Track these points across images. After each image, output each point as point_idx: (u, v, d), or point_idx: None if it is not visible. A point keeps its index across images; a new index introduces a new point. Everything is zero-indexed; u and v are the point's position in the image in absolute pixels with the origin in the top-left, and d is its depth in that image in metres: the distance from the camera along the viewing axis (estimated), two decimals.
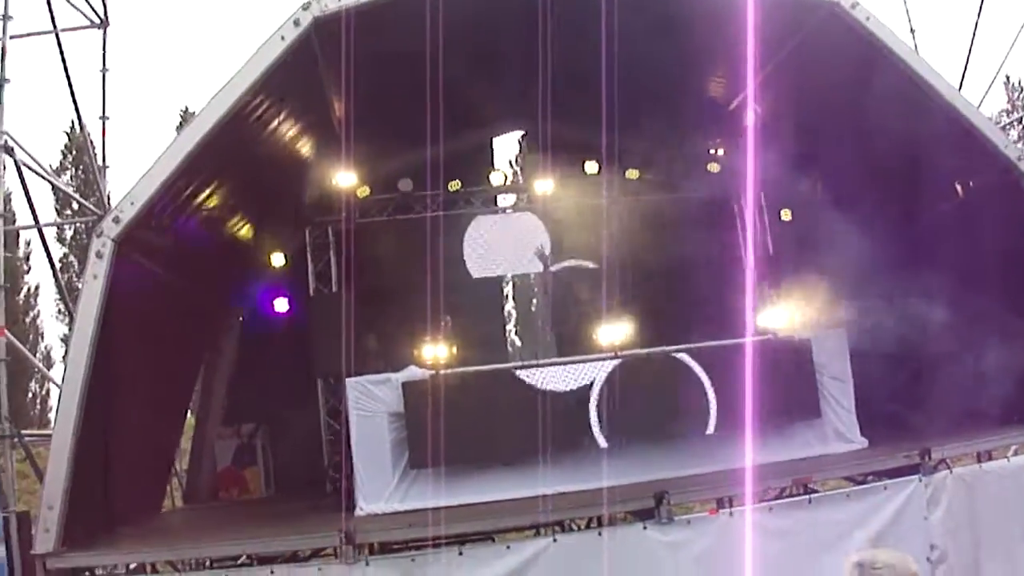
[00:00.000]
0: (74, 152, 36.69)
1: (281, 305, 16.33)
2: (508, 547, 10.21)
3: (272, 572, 10.02)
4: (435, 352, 14.08)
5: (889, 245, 12.99)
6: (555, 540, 10.13)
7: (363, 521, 11.54)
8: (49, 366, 33.10)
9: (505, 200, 17.27)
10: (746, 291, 15.84)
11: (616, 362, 12.59)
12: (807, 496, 10.86)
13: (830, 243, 13.41)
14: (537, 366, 12.71)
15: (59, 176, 34.98)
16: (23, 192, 13.32)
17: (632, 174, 15.66)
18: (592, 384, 12.45)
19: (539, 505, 11.42)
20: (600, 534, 10.30)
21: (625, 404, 12.26)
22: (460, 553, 10.05)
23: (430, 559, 10.04)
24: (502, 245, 16.44)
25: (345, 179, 15.24)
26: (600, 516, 11.15)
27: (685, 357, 12.62)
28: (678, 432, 12.35)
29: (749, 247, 16.02)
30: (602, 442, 12.28)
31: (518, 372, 12.53)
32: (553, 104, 12.95)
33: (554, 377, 12.44)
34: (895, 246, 13.03)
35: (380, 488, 12.14)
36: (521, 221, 16.48)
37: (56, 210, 33.25)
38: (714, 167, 15.91)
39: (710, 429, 12.35)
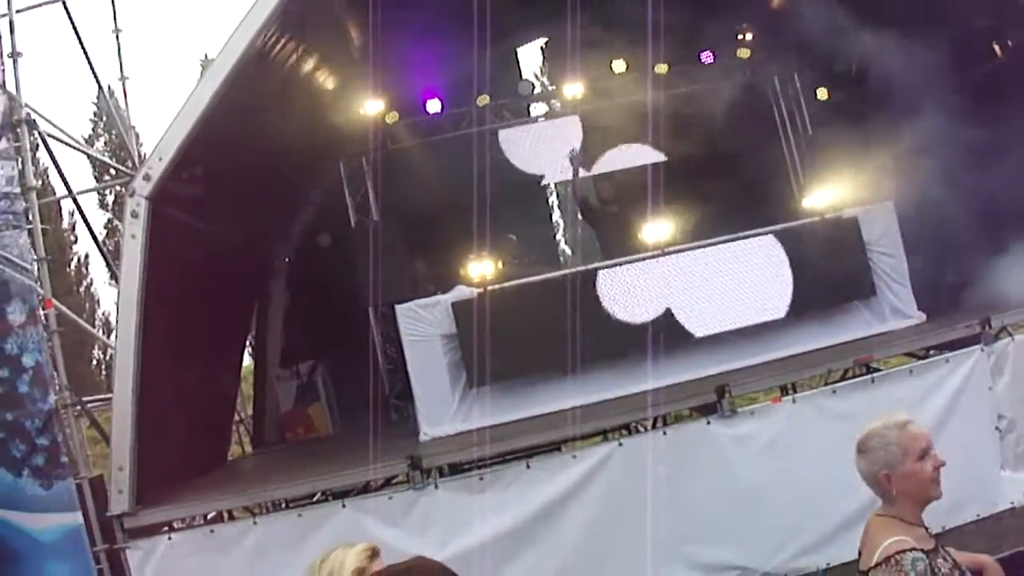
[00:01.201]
0: (104, 118, 36.74)
1: (324, 240, 16.35)
2: (574, 456, 10.20)
3: (344, 505, 10.10)
4: (482, 269, 14.07)
5: (933, 113, 12.69)
6: (620, 444, 10.12)
7: (428, 445, 11.61)
8: (108, 332, 33.42)
9: (536, 109, 17.08)
10: (788, 175, 15.69)
11: (666, 261, 12.47)
12: (869, 376, 10.73)
13: (870, 118, 13.16)
14: (585, 271, 12.59)
15: (92, 144, 35.13)
16: (54, 164, 13.33)
17: (661, 69, 15.38)
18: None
19: (602, 410, 11.43)
20: (665, 433, 10.28)
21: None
22: (527, 467, 10.07)
23: (498, 476, 10.07)
24: (539, 153, 16.30)
25: (372, 107, 15.12)
26: (664, 415, 11.14)
27: (734, 247, 12.46)
28: (735, 323, 12.25)
29: (788, 131, 15.78)
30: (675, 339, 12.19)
31: (577, 279, 12.39)
32: (575, 4, 12.75)
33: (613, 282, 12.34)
34: (939, 114, 12.73)
35: (441, 411, 12.18)
36: (555, 127, 16.30)
37: (95, 178, 33.38)
38: (744, 52, 15.61)
39: (764, 316, 12.22)
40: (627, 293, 12.25)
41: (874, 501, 4.36)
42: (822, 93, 15.32)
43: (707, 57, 15.67)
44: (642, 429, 11.48)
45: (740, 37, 15.85)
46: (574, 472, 9.99)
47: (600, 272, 12.40)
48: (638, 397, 11.29)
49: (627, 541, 9.59)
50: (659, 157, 15.57)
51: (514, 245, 15.70)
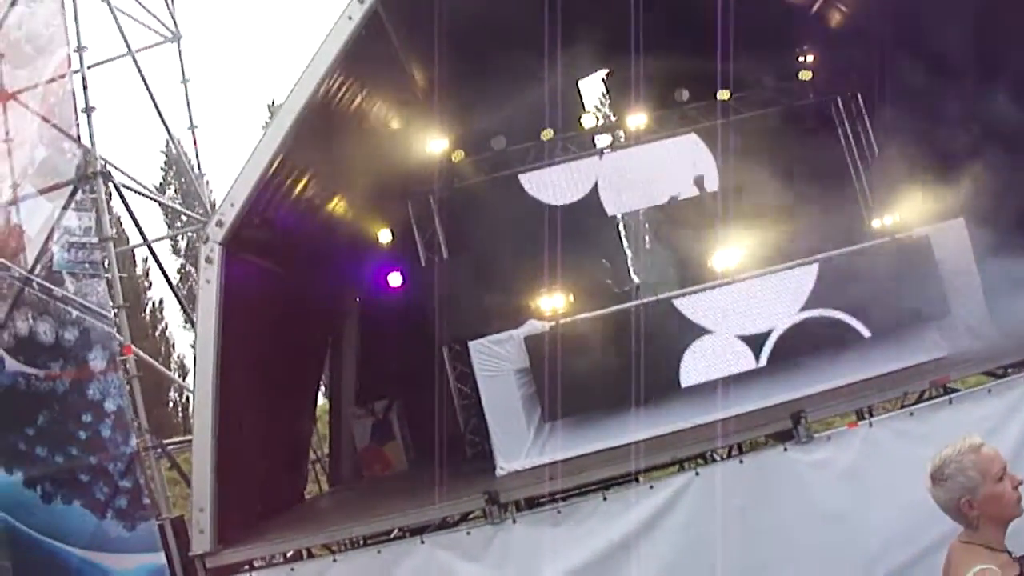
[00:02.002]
0: (173, 167, 37.44)
1: (395, 280, 16.50)
2: (651, 486, 10.14)
3: (423, 541, 10.13)
4: (552, 303, 14.12)
5: (999, 124, 12.52)
6: (697, 473, 10.04)
7: (505, 480, 11.64)
8: (184, 375, 33.95)
9: (600, 141, 17.13)
10: (856, 196, 15.58)
11: (735, 287, 12.43)
12: (947, 397, 10.56)
13: (936, 132, 13.02)
14: (651, 302, 12.57)
15: (163, 192, 35.81)
16: (128, 213, 13.69)
17: (724, 95, 15.39)
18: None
19: (678, 440, 11.39)
20: (741, 461, 10.20)
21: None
22: (604, 498, 10.03)
23: (575, 508, 10.06)
24: (635, 180, 16.37)
25: (437, 145, 15.28)
26: (740, 443, 11.07)
27: (803, 271, 12.37)
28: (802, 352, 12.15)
29: (854, 151, 15.70)
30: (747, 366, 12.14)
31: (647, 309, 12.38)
32: (636, 35, 12.80)
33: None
34: (1006, 124, 12.55)
35: (517, 445, 12.21)
36: (651, 152, 16.36)
37: (167, 224, 34.03)
38: (805, 75, 15.58)
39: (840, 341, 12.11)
40: (698, 322, 12.23)
41: (956, 527, 4.32)
42: (885, 110, 15.21)
43: (769, 82, 15.66)
44: (718, 458, 11.43)
45: (801, 60, 15.83)
46: (651, 503, 9.93)
47: (674, 301, 12.39)
48: (712, 426, 11.24)
49: (707, 571, 9.52)
50: (713, 187, 15.61)
51: (582, 277, 15.69)
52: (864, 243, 12.85)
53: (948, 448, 4.28)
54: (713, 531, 9.56)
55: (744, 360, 12.07)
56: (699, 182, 15.40)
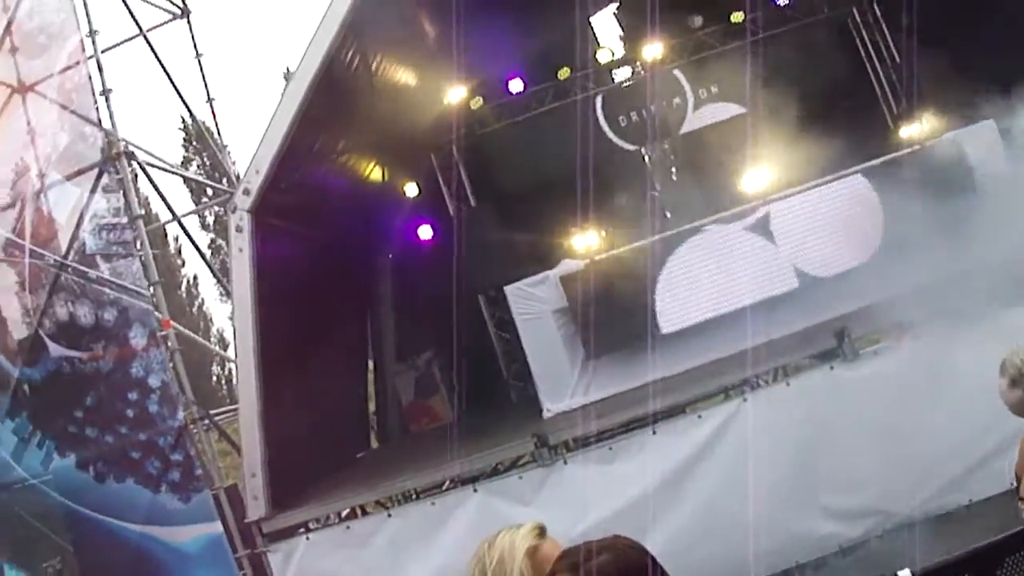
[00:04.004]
0: (194, 141, 37.47)
1: (425, 232, 16.46)
2: (700, 416, 10.16)
3: (476, 490, 10.19)
4: (586, 241, 14.06)
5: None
6: (745, 400, 10.03)
7: (553, 422, 11.64)
8: (224, 347, 34.14)
9: (619, 75, 16.96)
10: (881, 108, 15.36)
11: (772, 206, 12.28)
12: None
13: (958, 39, 12.80)
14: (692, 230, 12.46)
15: (187, 167, 35.88)
16: (155, 191, 13.75)
17: (737, 17, 15.18)
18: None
19: (722, 367, 11.34)
20: (788, 384, 10.17)
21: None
22: (654, 432, 10.06)
23: (625, 444, 10.09)
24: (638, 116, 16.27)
25: (456, 95, 15.21)
26: (785, 366, 11.01)
27: (842, 184, 12.19)
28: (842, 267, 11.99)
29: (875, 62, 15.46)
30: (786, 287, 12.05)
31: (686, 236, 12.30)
32: None
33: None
34: None
35: (562, 386, 12.19)
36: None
37: (193, 200, 34.06)
38: None
39: (876, 251, 11.94)
40: (730, 248, 12.12)
41: (1016, 432, 4.27)
42: (905, 18, 14.94)
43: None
44: (763, 383, 11.36)
45: None
46: (701, 432, 9.95)
47: (703, 230, 12.28)
48: (756, 350, 11.16)
49: (762, 495, 9.49)
50: (739, 109, 15.43)
51: (613, 214, 15.59)
52: (894, 154, 12.67)
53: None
54: (766, 455, 9.54)
55: (783, 281, 11.96)
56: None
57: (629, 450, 9.98)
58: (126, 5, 14.44)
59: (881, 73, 15.62)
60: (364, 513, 11.72)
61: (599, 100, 16.25)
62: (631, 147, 16.66)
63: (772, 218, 12.14)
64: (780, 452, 9.62)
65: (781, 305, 11.75)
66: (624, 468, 9.91)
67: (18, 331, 12.93)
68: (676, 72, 15.94)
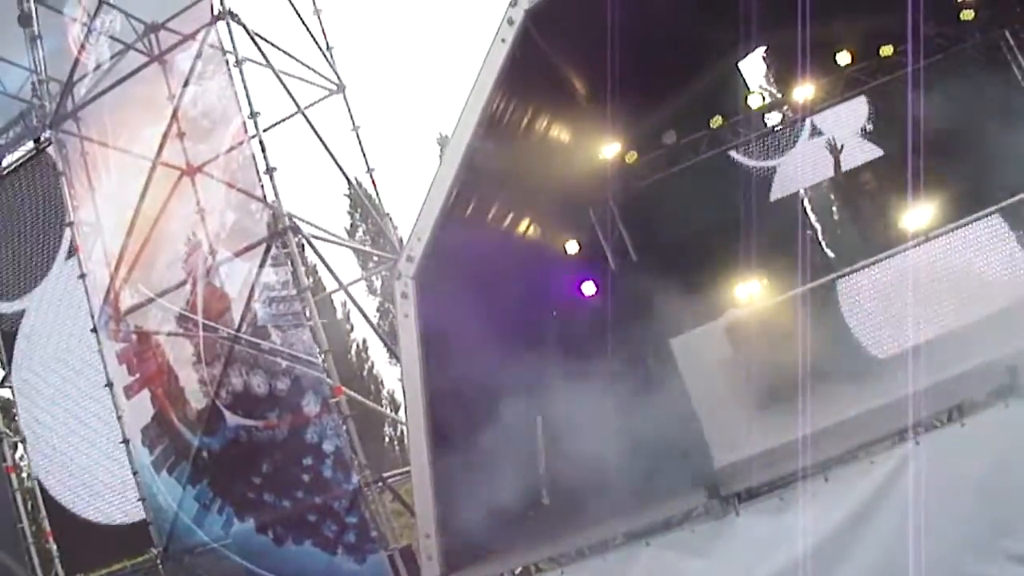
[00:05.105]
0: (358, 210, 38.48)
1: (588, 289, 16.50)
2: (872, 462, 9.91)
3: (648, 544, 10.13)
4: (750, 289, 13.95)
5: None
6: (917, 443, 9.75)
7: (723, 473, 11.49)
8: (395, 409, 34.74)
9: (770, 119, 16.85)
10: None
11: (934, 242, 11.97)
12: None
13: None
14: (854, 271, 12.25)
15: (353, 234, 36.87)
16: (321, 261, 14.20)
17: (886, 51, 14.91)
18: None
19: (893, 409, 11.06)
20: (963, 425, 9.86)
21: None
22: (825, 480, 9.85)
23: (797, 493, 9.90)
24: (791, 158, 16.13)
25: (610, 150, 15.31)
26: (958, 406, 10.68)
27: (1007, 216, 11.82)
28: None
29: None
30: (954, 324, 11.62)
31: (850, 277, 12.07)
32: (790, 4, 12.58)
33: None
34: None
35: (730, 436, 12.02)
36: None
37: (360, 266, 34.89)
38: (967, 14, 14.93)
39: None
40: (895, 288, 11.86)
41: None
42: None
43: (931, 29, 15.04)
44: (937, 424, 11.03)
45: (959, 0, 15.18)
46: (874, 478, 9.69)
47: (867, 270, 12.05)
48: (927, 391, 10.85)
49: (939, 541, 9.20)
50: (895, 144, 15.11)
51: (774, 259, 15.42)
52: None
53: None
54: (941, 500, 9.24)
55: (951, 319, 11.62)
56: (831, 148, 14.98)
57: (801, 499, 9.79)
58: (284, 85, 15.00)
59: None
60: (538, 570, 11.74)
61: (753, 145, 16.16)
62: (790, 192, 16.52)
63: (936, 254, 11.84)
64: (957, 496, 9.29)
65: (951, 343, 11.41)
66: (796, 518, 9.72)
67: (196, 401, 13.50)
68: (829, 111, 15.73)
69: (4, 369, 17.66)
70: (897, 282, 11.84)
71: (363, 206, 31.37)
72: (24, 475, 18.73)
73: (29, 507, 18.33)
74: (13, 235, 17.38)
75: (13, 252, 17.46)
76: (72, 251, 15.95)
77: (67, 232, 16.16)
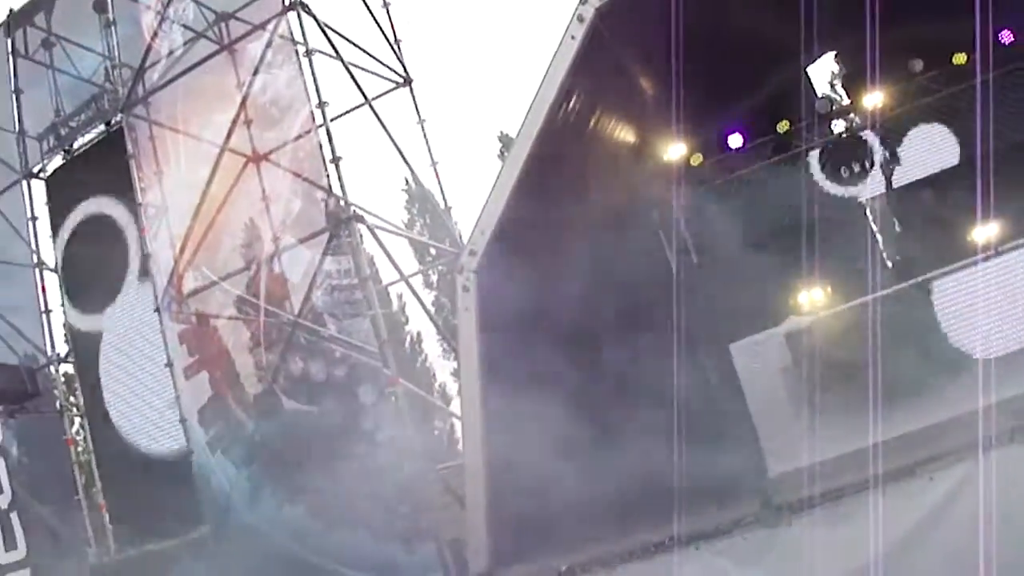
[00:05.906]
0: (417, 204, 38.60)
1: (649, 290, 16.39)
2: (931, 478, 9.80)
3: (697, 548, 10.09)
4: (811, 297, 13.83)
5: None
6: (980, 461, 9.62)
7: (777, 481, 11.42)
8: (447, 402, 34.83)
9: (839, 125, 16.66)
10: None
11: (1003, 257, 11.80)
12: None
13: None
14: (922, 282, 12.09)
15: (411, 228, 37.02)
16: (383, 252, 14.24)
17: (959, 59, 14.64)
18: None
19: (955, 426, 10.93)
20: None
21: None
22: (883, 494, 9.74)
23: (853, 505, 9.81)
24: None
25: (675, 151, 15.24)
26: (1021, 424, 10.53)
27: None
28: None
29: None
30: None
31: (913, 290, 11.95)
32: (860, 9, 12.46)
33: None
34: None
35: (786, 445, 11.94)
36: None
37: (417, 260, 35.01)
38: None
39: None
40: (962, 301, 11.70)
41: None
42: None
43: (1006, 37, 14.73)
44: (999, 442, 10.87)
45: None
46: (934, 494, 9.60)
47: (931, 283, 11.91)
48: (990, 409, 10.71)
49: (998, 561, 9.09)
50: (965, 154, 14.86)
51: (837, 268, 15.27)
52: None
53: None
54: (1003, 519, 9.12)
55: (1014, 336, 11.45)
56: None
57: (857, 513, 9.70)
58: (352, 77, 15.09)
59: None
60: (585, 570, 11.73)
61: (820, 151, 16.00)
62: (853, 199, 16.35)
63: (1003, 269, 11.68)
64: (1017, 516, 9.18)
65: (1015, 360, 11.25)
66: (851, 531, 9.64)
67: (251, 386, 13.61)
68: (898, 118, 15.52)
69: (68, 344, 17.89)
70: (967, 296, 11.69)
71: (423, 200, 31.48)
72: (79, 449, 19.00)
73: (83, 480, 18.54)
74: None
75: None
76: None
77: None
